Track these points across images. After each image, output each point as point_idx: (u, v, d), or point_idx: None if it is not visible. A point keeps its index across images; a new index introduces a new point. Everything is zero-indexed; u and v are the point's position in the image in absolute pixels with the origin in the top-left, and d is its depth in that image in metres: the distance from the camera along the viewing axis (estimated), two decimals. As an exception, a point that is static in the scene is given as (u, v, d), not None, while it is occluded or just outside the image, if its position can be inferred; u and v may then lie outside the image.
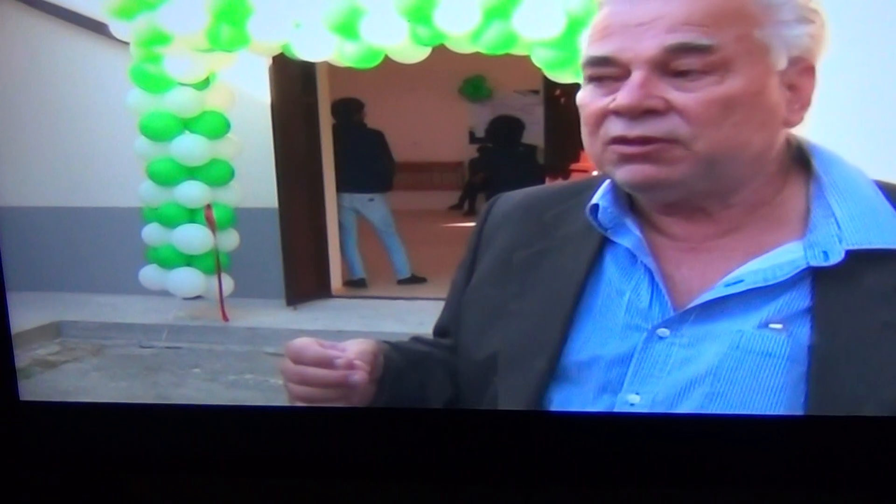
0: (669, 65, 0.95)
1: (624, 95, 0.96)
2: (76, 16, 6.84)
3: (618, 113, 0.97)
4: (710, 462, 1.01)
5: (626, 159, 0.98)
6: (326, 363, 1.03)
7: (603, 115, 0.99)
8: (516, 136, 7.68)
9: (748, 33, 0.95)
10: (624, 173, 0.99)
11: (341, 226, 7.44)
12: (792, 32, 0.97)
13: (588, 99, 1.01)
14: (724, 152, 0.96)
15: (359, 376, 1.03)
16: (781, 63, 0.97)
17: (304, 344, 1.04)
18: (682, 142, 0.96)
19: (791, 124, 1.01)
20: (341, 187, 7.29)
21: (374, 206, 7.33)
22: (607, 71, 0.99)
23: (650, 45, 0.95)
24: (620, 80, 0.97)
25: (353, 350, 1.05)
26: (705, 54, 0.94)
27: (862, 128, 5.00)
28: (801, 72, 0.99)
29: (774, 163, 1.02)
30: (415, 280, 7.28)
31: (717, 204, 1.02)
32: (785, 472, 0.99)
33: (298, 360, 1.04)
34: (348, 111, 7.29)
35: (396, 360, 1.13)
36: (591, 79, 1.01)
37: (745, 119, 0.96)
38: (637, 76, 0.96)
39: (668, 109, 0.96)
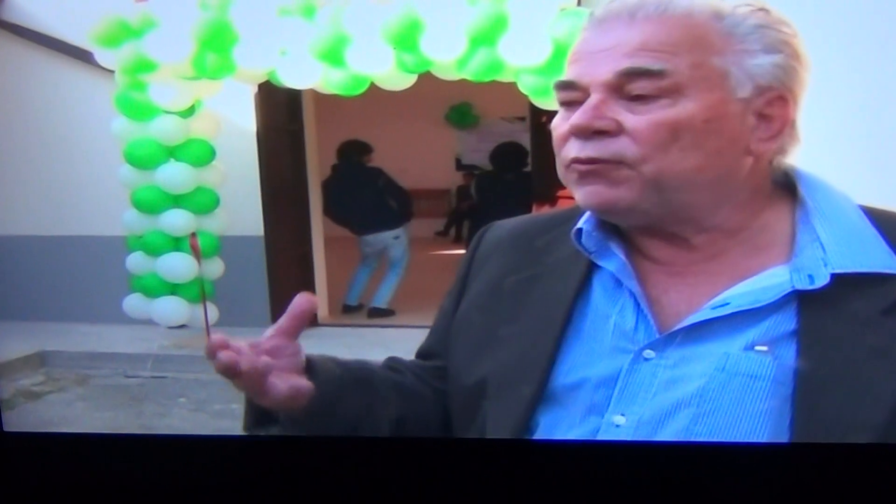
0: (624, 89, 0.97)
1: (576, 116, 0.98)
2: (61, 44, 6.86)
3: (574, 134, 0.99)
4: (699, 490, 0.99)
5: (580, 180, 1.00)
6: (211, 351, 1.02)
7: (564, 138, 1.01)
8: (522, 162, 7.76)
9: (705, 60, 0.96)
10: (580, 195, 1.01)
11: (366, 258, 7.49)
12: (756, 61, 0.98)
13: (556, 122, 1.04)
14: (672, 176, 0.97)
15: (224, 355, 1.00)
16: (744, 91, 0.97)
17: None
18: (629, 163, 0.97)
19: (758, 154, 1.00)
20: (363, 230, 7.34)
21: (399, 243, 7.38)
22: (572, 95, 1.01)
23: (606, 69, 0.97)
24: (583, 104, 0.99)
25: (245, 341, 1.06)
26: (657, 79, 0.95)
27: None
28: (771, 101, 0.99)
29: (746, 189, 1.02)
30: (386, 313, 7.32)
31: (688, 229, 1.02)
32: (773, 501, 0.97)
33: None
34: (350, 153, 7.33)
35: (337, 371, 1.12)
36: (561, 104, 1.04)
37: (693, 144, 0.96)
38: (593, 99, 0.98)
39: (619, 131, 0.97)
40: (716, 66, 0.97)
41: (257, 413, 1.11)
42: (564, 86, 1.02)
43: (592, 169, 0.98)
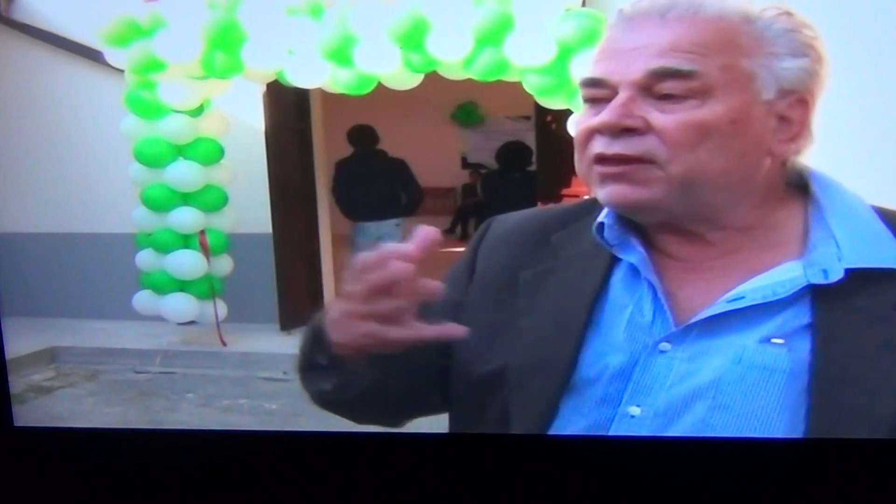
0: (654, 88, 0.98)
1: (605, 113, 0.99)
2: (71, 43, 6.88)
3: (600, 131, 1.00)
4: (712, 485, 1.01)
5: (606, 179, 1.01)
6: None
7: (589, 135, 1.02)
8: (527, 161, 7.75)
9: (734, 62, 0.98)
10: (604, 193, 1.02)
11: (360, 251, 7.42)
12: (783, 65, 0.99)
13: (580, 119, 1.04)
14: (699, 176, 0.98)
15: (398, 265, 1.02)
16: (769, 93, 0.99)
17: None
18: (658, 163, 0.98)
19: (777, 155, 1.02)
20: (365, 216, 7.29)
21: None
22: (599, 92, 1.02)
23: (636, 68, 0.98)
24: (610, 102, 1.00)
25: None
26: (687, 79, 0.97)
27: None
28: (793, 104, 1.01)
29: (762, 189, 1.03)
30: None
31: (704, 227, 1.04)
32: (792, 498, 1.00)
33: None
34: (368, 139, 7.28)
35: None
36: (586, 100, 1.04)
37: (721, 145, 0.97)
38: (621, 96, 0.99)
39: (647, 130, 0.98)
40: (744, 69, 0.98)
41: (315, 352, 1.09)
42: (592, 83, 1.03)
43: (621, 170, 0.99)
